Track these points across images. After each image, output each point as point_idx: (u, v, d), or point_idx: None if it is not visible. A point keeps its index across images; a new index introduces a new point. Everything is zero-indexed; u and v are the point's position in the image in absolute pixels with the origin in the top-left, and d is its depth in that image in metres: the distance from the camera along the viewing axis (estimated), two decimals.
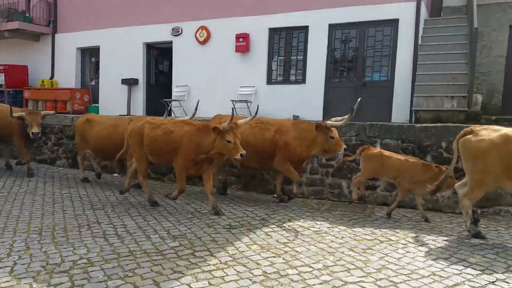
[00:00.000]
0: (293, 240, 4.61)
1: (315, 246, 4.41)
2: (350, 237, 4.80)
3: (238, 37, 10.57)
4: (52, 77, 13.77)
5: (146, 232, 4.76)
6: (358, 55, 9.75)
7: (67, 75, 13.51)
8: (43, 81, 13.34)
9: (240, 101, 10.30)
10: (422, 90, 8.09)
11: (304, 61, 10.20)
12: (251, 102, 10.24)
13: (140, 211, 5.77)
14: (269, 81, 10.59)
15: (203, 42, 11.23)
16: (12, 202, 6.12)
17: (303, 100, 10.01)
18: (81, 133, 8.04)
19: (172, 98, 11.37)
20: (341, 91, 9.82)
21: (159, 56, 12.86)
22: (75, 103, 12.32)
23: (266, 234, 4.80)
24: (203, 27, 11.17)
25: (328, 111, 9.63)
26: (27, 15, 13.30)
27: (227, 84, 10.84)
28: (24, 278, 3.42)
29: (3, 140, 8.82)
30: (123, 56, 12.36)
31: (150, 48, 12.42)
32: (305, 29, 10.14)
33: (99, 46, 12.89)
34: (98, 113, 12.07)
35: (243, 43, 10.50)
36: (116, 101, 12.45)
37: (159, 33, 11.83)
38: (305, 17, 10.00)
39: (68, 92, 12.25)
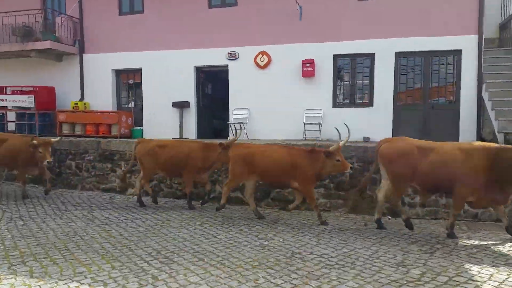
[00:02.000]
0: None
1: None
2: None
3: (304, 62, 10.91)
4: (82, 99, 13.05)
5: None
6: (423, 84, 10.56)
7: (100, 97, 12.89)
8: (76, 103, 12.59)
9: (311, 123, 10.64)
10: (502, 115, 9.01)
11: (371, 84, 10.79)
12: (321, 124, 10.61)
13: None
14: (335, 104, 11.03)
15: (264, 67, 11.41)
16: None
17: (371, 123, 10.58)
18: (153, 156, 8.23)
19: (232, 121, 11.37)
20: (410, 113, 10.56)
21: (205, 80, 12.75)
22: (122, 127, 11.80)
23: None
24: (263, 52, 11.36)
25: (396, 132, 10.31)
26: (54, 34, 12.50)
27: (291, 107, 11.08)
28: None
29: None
30: (169, 79, 12.12)
31: (200, 71, 12.29)
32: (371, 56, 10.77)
33: (140, 68, 12.50)
34: (142, 137, 11.77)
35: (310, 68, 10.87)
36: (163, 123, 12.14)
37: (212, 57, 11.80)
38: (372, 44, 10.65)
39: (116, 115, 11.72)
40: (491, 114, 9.41)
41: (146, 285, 4.31)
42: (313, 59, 10.89)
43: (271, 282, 4.39)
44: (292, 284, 4.36)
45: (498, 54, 10.54)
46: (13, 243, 5.73)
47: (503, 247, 5.87)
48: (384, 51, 10.60)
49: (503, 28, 11.46)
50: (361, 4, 10.66)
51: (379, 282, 4.43)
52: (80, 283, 4.34)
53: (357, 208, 8.15)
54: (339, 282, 4.44)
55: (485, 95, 9.91)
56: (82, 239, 5.98)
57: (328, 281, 4.44)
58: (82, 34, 13.04)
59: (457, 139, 10.06)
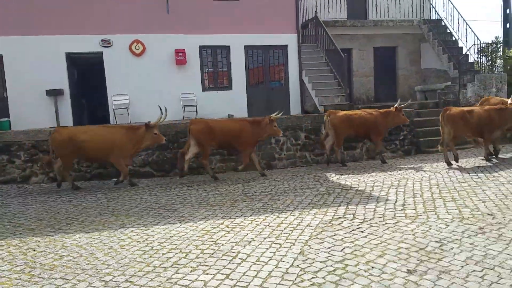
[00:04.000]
0: None
1: None
2: None
3: (177, 52, 12.92)
4: None
5: None
6: (265, 70, 14.16)
7: None
8: None
9: (189, 106, 12.87)
10: (320, 93, 13.41)
11: (229, 71, 13.72)
12: (197, 106, 12.97)
13: None
14: (204, 89, 13.52)
15: (139, 54, 12.82)
16: None
17: (232, 102, 13.59)
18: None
19: (114, 107, 12.44)
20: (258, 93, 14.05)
21: (78, 66, 13.07)
22: None
23: None
24: (137, 41, 12.75)
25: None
26: None
27: (169, 92, 12.97)
28: None
29: None
30: (38, 66, 12.05)
31: (71, 58, 12.62)
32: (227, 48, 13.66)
33: (1, 54, 11.89)
34: (10, 128, 11.65)
35: (182, 57, 12.96)
36: (34, 113, 12.05)
37: (84, 43, 12.39)
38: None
39: None
40: (312, 93, 13.77)
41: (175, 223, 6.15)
42: (184, 49, 13.00)
43: None
44: None
45: (306, 48, 14.95)
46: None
47: None
48: (236, 44, 13.62)
49: (304, 27, 15.99)
50: (221, 4, 13.28)
51: None
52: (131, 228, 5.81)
53: None
54: None
55: (305, 79, 14.21)
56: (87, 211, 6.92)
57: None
58: None
59: (289, 112, 14.09)
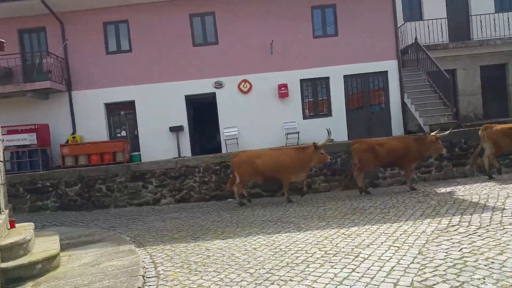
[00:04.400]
0: None
1: None
2: None
3: (280, 86, 14.06)
4: (73, 132, 14.02)
5: None
6: (364, 96, 14.62)
7: (92, 129, 14.06)
8: (74, 137, 13.56)
9: (291, 133, 13.76)
10: (424, 114, 13.40)
11: (329, 100, 14.43)
12: (299, 132, 13.81)
13: None
14: (304, 117, 14.38)
15: (246, 92, 14.21)
16: None
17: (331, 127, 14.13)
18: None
19: (225, 138, 13.84)
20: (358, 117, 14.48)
21: (194, 105, 14.96)
22: (126, 153, 13.25)
23: None
24: (245, 80, 14.18)
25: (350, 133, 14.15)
26: (47, 73, 13.38)
27: (272, 122, 14.06)
28: None
29: None
30: (162, 107, 14.03)
31: (189, 99, 14.49)
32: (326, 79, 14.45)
33: (133, 100, 14.14)
34: (140, 160, 13.48)
35: (284, 91, 14.04)
36: (159, 147, 13.95)
37: (200, 86, 14.17)
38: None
39: (121, 143, 13.11)
40: (416, 114, 13.79)
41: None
42: (286, 84, 14.09)
43: None
44: None
45: (407, 72, 15.13)
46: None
47: None
48: (335, 74, 14.35)
49: (404, 53, 16.25)
50: (320, 40, 14.26)
51: None
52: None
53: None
54: None
55: (407, 101, 14.30)
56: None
57: None
58: (68, 73, 14.07)
59: (390, 133, 14.22)
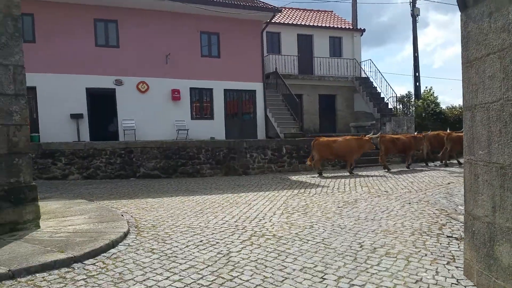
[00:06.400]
0: None
1: None
2: None
3: (173, 91, 16.95)
4: None
5: None
6: (238, 107, 18.53)
7: None
8: None
9: (181, 130, 16.78)
10: (280, 125, 17.95)
11: (212, 106, 17.90)
12: (188, 129, 16.91)
13: None
14: (192, 117, 17.54)
15: (144, 92, 16.68)
16: None
17: (213, 128, 17.71)
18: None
19: (124, 128, 16.08)
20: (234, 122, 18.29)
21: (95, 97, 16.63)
22: None
23: None
24: (143, 82, 16.63)
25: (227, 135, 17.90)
26: None
27: (166, 119, 16.86)
28: None
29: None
30: (63, 96, 15.51)
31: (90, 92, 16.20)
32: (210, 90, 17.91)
33: (35, 86, 15.24)
34: (39, 141, 14.93)
35: (177, 95, 16.99)
36: (60, 131, 15.40)
37: (99, 81, 16.10)
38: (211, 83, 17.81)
39: None
40: (275, 124, 18.28)
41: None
42: (179, 89, 17.05)
43: None
44: None
45: (269, 93, 19.65)
46: None
47: None
48: (217, 87, 17.93)
49: (267, 78, 20.81)
50: (206, 59, 17.63)
51: None
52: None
53: None
54: None
55: (269, 114, 18.74)
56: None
57: None
58: None
59: (256, 137, 18.42)
